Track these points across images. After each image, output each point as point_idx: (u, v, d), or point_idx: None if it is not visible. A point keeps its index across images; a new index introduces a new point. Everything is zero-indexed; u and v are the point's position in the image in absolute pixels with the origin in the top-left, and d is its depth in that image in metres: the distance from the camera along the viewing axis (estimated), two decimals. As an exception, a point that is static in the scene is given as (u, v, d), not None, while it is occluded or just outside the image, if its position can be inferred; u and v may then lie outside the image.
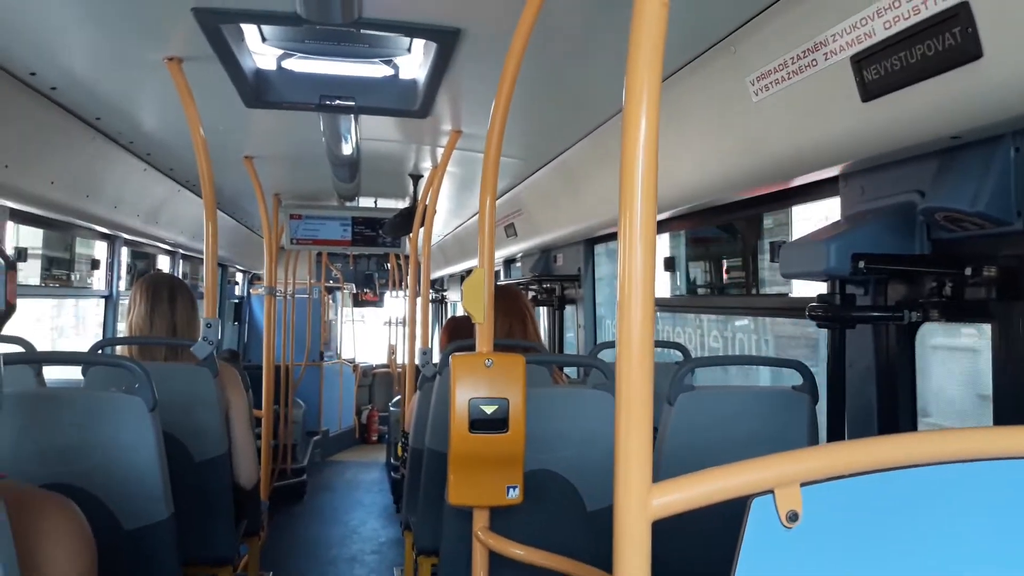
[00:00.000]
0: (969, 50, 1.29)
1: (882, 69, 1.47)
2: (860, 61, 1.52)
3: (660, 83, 0.82)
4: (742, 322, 3.27)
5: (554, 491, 2.05)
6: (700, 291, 3.44)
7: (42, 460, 1.82)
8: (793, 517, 0.80)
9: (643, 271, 0.81)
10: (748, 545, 0.80)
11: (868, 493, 0.82)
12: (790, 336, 3.10)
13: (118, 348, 2.56)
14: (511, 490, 1.70)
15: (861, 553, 0.82)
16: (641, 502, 0.81)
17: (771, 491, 0.80)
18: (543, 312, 4.91)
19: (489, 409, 1.67)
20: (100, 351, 2.47)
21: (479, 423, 1.65)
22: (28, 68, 2.36)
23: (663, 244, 3.56)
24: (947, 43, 1.32)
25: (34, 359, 2.24)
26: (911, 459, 0.84)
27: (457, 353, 1.76)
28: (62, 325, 5.57)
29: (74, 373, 2.49)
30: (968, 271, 1.58)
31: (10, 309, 0.89)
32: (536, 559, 1.66)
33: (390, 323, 9.81)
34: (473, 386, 1.66)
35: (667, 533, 1.91)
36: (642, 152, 0.82)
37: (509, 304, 2.91)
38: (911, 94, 1.44)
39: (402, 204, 4.87)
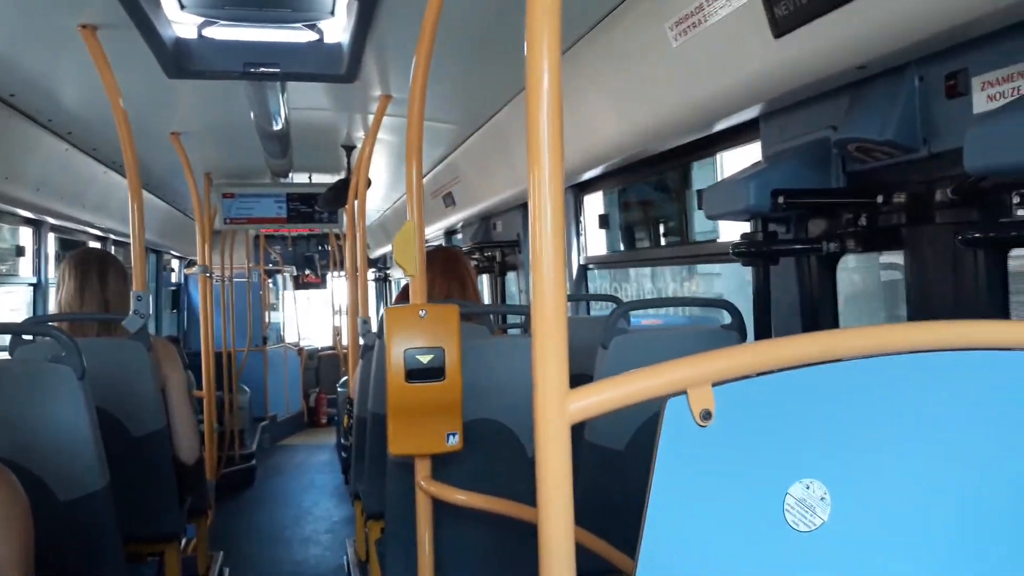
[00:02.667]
0: (869, -22, 1.33)
1: (791, 3, 1.51)
2: (770, -3, 1.56)
3: (559, 29, 0.82)
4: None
5: (494, 439, 2.08)
6: (634, 245, 3.50)
7: None
8: (707, 416, 0.82)
9: (553, 223, 0.83)
10: (664, 445, 0.82)
11: (780, 390, 0.85)
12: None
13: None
14: (451, 437, 1.72)
15: (776, 449, 0.84)
16: (558, 406, 0.83)
17: (684, 392, 0.82)
18: (485, 279, 4.92)
19: (425, 359, 1.68)
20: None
21: (415, 372, 1.66)
22: None
23: (597, 202, 3.60)
24: (849, -27, 1.36)
25: None
26: (820, 355, 0.87)
27: (391, 307, 1.76)
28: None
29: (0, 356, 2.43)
30: (880, 199, 1.64)
31: None
32: (478, 503, 1.68)
33: (332, 306, 9.72)
34: (408, 337, 1.67)
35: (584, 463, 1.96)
36: (546, 106, 0.82)
37: (449, 265, 2.91)
38: (818, 27, 1.48)
39: (337, 178, 4.82)
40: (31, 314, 4.28)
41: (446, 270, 2.82)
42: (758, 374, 0.86)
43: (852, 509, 0.84)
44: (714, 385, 0.83)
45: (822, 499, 0.85)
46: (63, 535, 1.80)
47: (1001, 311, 1.47)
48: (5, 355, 2.32)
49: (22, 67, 2.65)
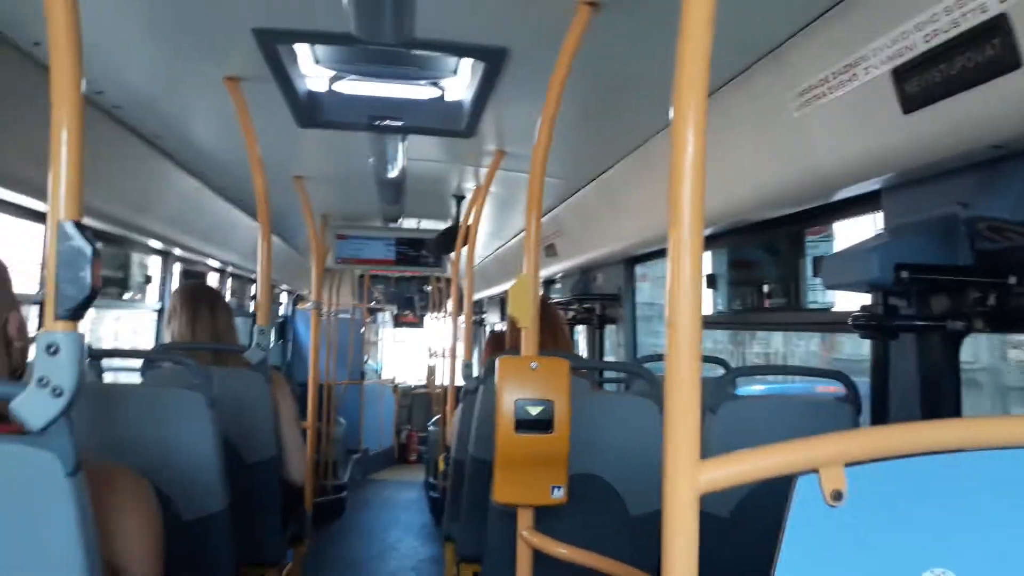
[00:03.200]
0: (1008, 60, 1.32)
1: (922, 81, 1.51)
2: (900, 74, 1.56)
3: (706, 98, 0.87)
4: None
5: (597, 495, 2.09)
6: (743, 308, 3.46)
7: (106, 453, 1.91)
8: (837, 496, 0.82)
9: (691, 275, 0.86)
10: (793, 523, 0.82)
11: (913, 475, 0.84)
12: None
13: None
14: (555, 490, 1.74)
15: (906, 534, 0.84)
16: (689, 476, 0.85)
17: (816, 470, 0.83)
18: (581, 331, 4.94)
19: (534, 410, 1.71)
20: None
21: (525, 423, 1.70)
22: (95, 87, 2.48)
23: (706, 262, 3.58)
24: (986, 54, 1.36)
25: (100, 354, 2.34)
26: (954, 443, 0.86)
27: (503, 356, 1.81)
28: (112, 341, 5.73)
29: (131, 380, 2.59)
30: (1013, 280, 1.59)
31: (94, 292, 0.96)
32: (580, 559, 1.69)
33: (430, 348, 9.90)
34: (519, 387, 1.71)
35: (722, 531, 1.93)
36: (689, 167, 0.86)
37: (544, 316, 2.96)
38: (951, 105, 1.47)
39: (444, 224, 4.96)
40: (155, 338, 4.54)
41: (543, 323, 2.88)
42: (892, 457, 0.85)
43: None
44: (846, 465, 0.83)
45: (953, 588, 0.84)
46: (183, 553, 1.90)
47: None
48: (135, 376, 2.48)
49: (168, 112, 2.86)
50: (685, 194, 0.86)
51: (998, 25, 1.32)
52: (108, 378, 2.47)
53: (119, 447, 1.93)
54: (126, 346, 5.61)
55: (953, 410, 1.90)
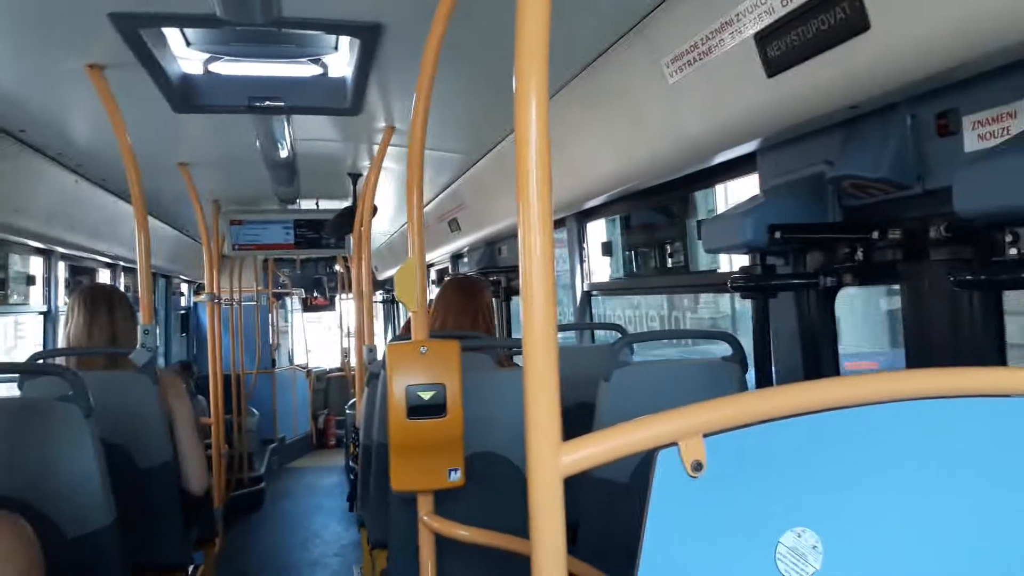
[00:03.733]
0: (858, 22, 1.35)
1: (783, 45, 1.54)
2: (763, 38, 1.58)
3: (546, 77, 0.85)
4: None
5: (497, 471, 2.09)
6: (637, 273, 3.52)
7: None
8: (698, 467, 0.83)
9: (542, 246, 0.86)
10: (656, 496, 0.83)
11: (770, 440, 0.86)
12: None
13: (59, 361, 2.53)
14: (452, 473, 1.74)
15: (768, 498, 0.85)
16: (552, 460, 0.84)
17: (675, 443, 0.83)
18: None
19: (426, 395, 1.70)
20: (39, 363, 2.44)
21: (417, 409, 1.68)
22: None
23: (600, 229, 3.63)
24: (838, 17, 1.39)
25: None
26: (810, 405, 0.88)
27: (393, 343, 1.78)
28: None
29: (11, 391, 2.46)
30: (876, 235, 1.66)
31: None
32: (480, 538, 1.69)
33: (341, 327, 9.75)
34: (409, 373, 1.69)
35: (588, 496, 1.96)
36: (535, 140, 0.85)
37: (461, 299, 2.93)
38: (810, 67, 1.50)
39: (344, 204, 4.86)
40: (42, 341, 4.32)
41: (462, 307, 2.86)
42: (748, 424, 0.87)
43: (844, 558, 0.85)
44: (705, 436, 0.84)
45: (814, 547, 0.86)
46: (70, 571, 1.82)
47: (996, 349, 1.48)
48: (14, 386, 2.35)
49: (31, 104, 2.70)
50: (532, 179, 0.85)
51: (847, -12, 1.35)
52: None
53: None
54: (22, 347, 5.35)
55: (832, 363, 1.98)
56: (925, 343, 1.62)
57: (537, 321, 0.86)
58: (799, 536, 0.86)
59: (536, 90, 0.84)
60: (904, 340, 1.68)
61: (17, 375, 2.31)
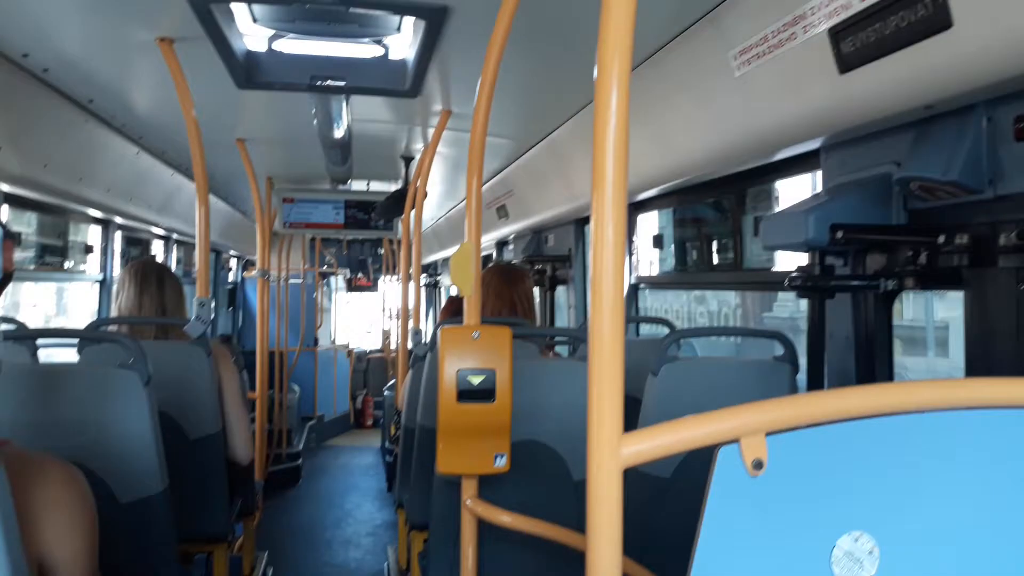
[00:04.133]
0: (939, 20, 1.32)
1: (858, 41, 1.50)
2: (837, 33, 1.55)
3: (630, 65, 0.84)
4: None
5: (541, 461, 2.09)
6: (688, 267, 3.49)
7: (39, 434, 1.86)
8: (758, 465, 0.82)
9: (614, 242, 0.85)
10: (715, 493, 0.82)
11: (832, 442, 0.85)
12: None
13: (110, 329, 2.59)
14: (498, 458, 1.74)
15: (826, 500, 0.84)
16: (612, 450, 0.84)
17: (737, 440, 0.83)
18: (536, 292, 4.94)
19: (476, 380, 1.70)
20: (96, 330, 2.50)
21: (467, 393, 1.69)
22: (20, 50, 2.38)
23: (652, 222, 3.60)
24: (919, 14, 1.35)
25: (30, 335, 2.27)
26: (873, 409, 0.86)
27: (446, 326, 1.79)
28: (54, 312, 5.59)
29: (69, 356, 2.52)
30: (941, 239, 1.62)
31: (7, 276, 0.92)
32: (523, 526, 1.70)
33: (384, 309, 9.84)
34: (460, 357, 1.70)
35: (630, 489, 1.96)
36: (612, 134, 0.84)
37: (503, 286, 2.94)
38: (886, 65, 1.47)
39: (394, 187, 4.89)
40: (97, 309, 4.43)
41: (500, 292, 2.86)
42: (811, 425, 0.86)
43: (901, 563, 0.84)
44: (767, 435, 0.83)
45: (871, 552, 0.85)
46: (120, 536, 1.87)
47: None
48: (73, 352, 2.41)
49: (100, 75, 2.76)
50: (608, 160, 0.84)
51: (929, -15, 1.31)
52: (44, 355, 2.40)
53: (53, 429, 1.88)
54: (71, 315, 5.49)
55: (886, 367, 1.94)
56: (987, 353, 1.58)
57: (606, 314, 0.85)
58: (856, 540, 0.85)
59: (618, 77, 0.83)
60: (965, 347, 1.64)
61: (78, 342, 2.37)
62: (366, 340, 10.69)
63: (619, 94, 0.84)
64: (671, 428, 0.86)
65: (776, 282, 2.41)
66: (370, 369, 10.05)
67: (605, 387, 0.85)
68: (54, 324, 5.44)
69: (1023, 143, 1.47)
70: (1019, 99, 1.46)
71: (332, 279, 10.25)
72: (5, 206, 3.16)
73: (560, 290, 4.73)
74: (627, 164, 0.85)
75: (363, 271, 9.74)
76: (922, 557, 0.84)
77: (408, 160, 4.39)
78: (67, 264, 4.44)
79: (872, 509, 0.84)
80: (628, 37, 0.84)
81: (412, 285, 3.99)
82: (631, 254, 3.59)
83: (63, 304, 5.56)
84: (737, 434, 0.83)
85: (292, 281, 7.87)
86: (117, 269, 4.50)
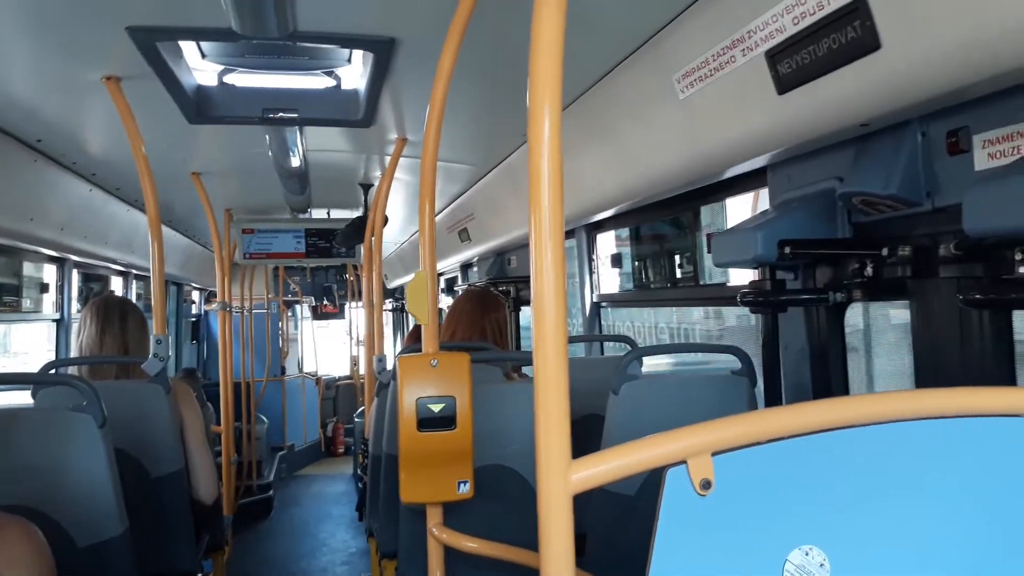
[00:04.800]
0: (868, 42, 1.36)
1: (793, 63, 1.55)
2: (773, 56, 1.59)
3: (560, 93, 0.86)
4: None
5: (507, 484, 2.10)
6: (647, 285, 3.53)
7: None
8: (706, 485, 0.84)
9: (554, 265, 0.86)
10: (665, 514, 0.83)
11: (778, 458, 0.86)
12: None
13: (70, 370, 2.55)
14: (462, 485, 1.74)
15: (776, 516, 0.86)
16: (561, 477, 0.85)
17: (684, 461, 0.84)
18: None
19: (436, 407, 1.70)
20: (52, 372, 2.46)
21: (427, 421, 1.69)
22: None
23: (609, 241, 3.64)
24: (849, 36, 1.40)
25: None
26: (818, 424, 0.88)
27: (404, 355, 1.79)
28: (15, 351, 5.48)
29: (24, 398, 2.48)
30: (885, 252, 1.66)
31: None
32: (488, 551, 1.70)
33: (351, 335, 9.78)
34: (420, 385, 1.70)
35: (597, 508, 1.97)
36: (546, 162, 0.86)
37: (475, 315, 2.92)
38: (821, 85, 1.51)
39: (355, 214, 4.88)
40: (55, 349, 4.35)
41: (473, 318, 2.86)
42: (756, 443, 0.87)
43: (852, 574, 0.85)
44: (714, 455, 0.85)
45: (821, 565, 0.86)
46: None
47: (1007, 368, 1.48)
48: (27, 395, 2.37)
49: (47, 114, 2.73)
50: (543, 186, 0.86)
51: (858, 7, 1.36)
52: (3, 400, 2.36)
53: (7, 475, 1.84)
54: (29, 354, 5.39)
55: (841, 377, 1.98)
56: (934, 361, 1.62)
57: (548, 337, 0.87)
58: (807, 554, 0.86)
59: (550, 104, 0.85)
60: (913, 358, 1.68)
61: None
62: (335, 367, 10.60)
63: (551, 124, 0.86)
64: (620, 452, 0.87)
65: (731, 297, 2.45)
66: (339, 396, 9.97)
67: (551, 412, 0.86)
68: (13, 362, 5.34)
69: (956, 157, 1.51)
70: (951, 115, 1.51)
71: (297, 307, 10.17)
72: None
73: (525, 310, 4.75)
74: (561, 192, 0.87)
75: (328, 298, 9.68)
76: (873, 568, 0.86)
77: (367, 187, 4.39)
78: (23, 303, 4.36)
79: (822, 522, 0.86)
80: (557, 65, 0.86)
81: (376, 314, 3.98)
82: (592, 273, 3.62)
83: (21, 342, 5.46)
84: (684, 455, 0.84)
85: (256, 311, 7.80)
86: (75, 307, 4.43)
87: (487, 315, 2.92)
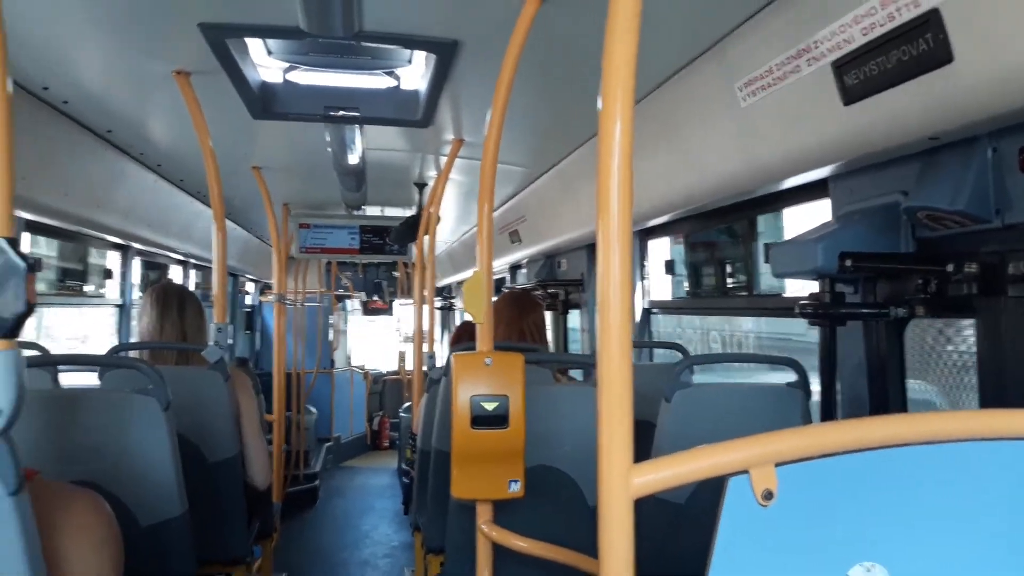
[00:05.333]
0: (940, 55, 1.34)
1: (861, 74, 1.53)
2: (841, 66, 1.58)
3: (632, 98, 0.87)
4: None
5: (556, 486, 2.11)
6: (699, 293, 3.51)
7: (61, 459, 1.89)
8: (768, 496, 0.84)
9: (620, 270, 0.87)
10: (725, 523, 0.83)
11: (843, 472, 0.86)
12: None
13: (131, 355, 2.63)
14: (512, 484, 1.76)
15: (837, 530, 0.85)
16: (623, 481, 0.86)
17: (747, 471, 0.84)
18: (548, 316, 4.96)
19: (490, 406, 1.73)
20: (119, 356, 2.55)
21: (480, 419, 1.71)
22: (41, 82, 2.44)
23: (663, 248, 3.63)
24: (920, 48, 1.38)
25: (52, 361, 2.31)
26: (884, 440, 0.87)
27: (458, 352, 1.82)
28: (77, 335, 5.65)
29: (90, 381, 2.56)
30: (950, 268, 1.63)
31: (30, 308, 0.95)
32: (538, 551, 1.71)
33: (400, 331, 9.89)
34: (474, 384, 1.72)
35: (646, 516, 1.97)
36: (617, 159, 0.87)
37: (514, 316, 2.97)
38: (889, 97, 1.49)
39: (408, 212, 4.94)
40: (117, 333, 4.49)
41: (511, 320, 2.90)
42: (822, 456, 0.87)
43: None
44: (777, 465, 0.85)
45: (883, 582, 0.86)
46: (141, 559, 1.89)
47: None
48: (94, 376, 2.46)
49: (119, 106, 2.82)
50: (613, 188, 0.87)
51: (930, 20, 1.34)
52: (66, 379, 2.45)
53: (74, 454, 1.91)
54: (94, 337, 5.55)
55: (899, 393, 1.95)
56: (1000, 383, 1.59)
57: (613, 341, 0.88)
58: (868, 571, 0.86)
59: (621, 109, 0.86)
60: (978, 377, 1.65)
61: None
62: (383, 362, 10.72)
63: (622, 126, 0.87)
64: (681, 459, 0.88)
65: (787, 308, 2.43)
66: (386, 391, 10.08)
67: (615, 418, 0.87)
68: (79, 347, 5.50)
69: (1028, 173, 1.49)
70: (1023, 131, 1.48)
71: (348, 302, 10.31)
72: (27, 236, 3.23)
73: (574, 314, 4.75)
74: (631, 194, 0.88)
75: (378, 294, 9.80)
76: None
77: (421, 186, 4.44)
78: (87, 288, 4.50)
79: (884, 539, 0.85)
80: (630, 71, 0.87)
81: (427, 308, 4.02)
82: (643, 279, 3.61)
83: (88, 326, 5.63)
84: (747, 465, 0.84)
85: (308, 304, 7.93)
86: (136, 293, 4.56)
87: (525, 316, 2.96)
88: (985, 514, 0.87)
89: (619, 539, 0.86)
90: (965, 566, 0.86)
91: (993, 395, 1.62)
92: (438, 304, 9.98)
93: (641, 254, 3.61)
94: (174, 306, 2.64)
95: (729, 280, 3.18)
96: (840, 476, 0.87)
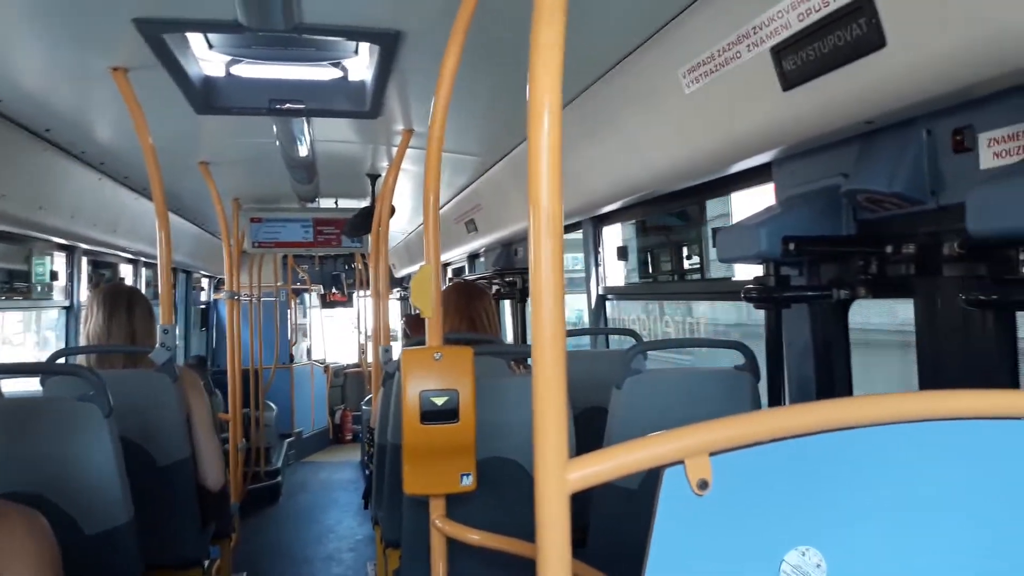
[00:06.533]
0: (874, 40, 1.36)
1: (799, 59, 1.54)
2: (779, 52, 1.59)
3: (560, 93, 0.85)
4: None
5: (509, 477, 2.11)
6: (653, 278, 3.53)
7: (3, 470, 1.84)
8: (703, 485, 0.84)
9: (551, 261, 0.86)
10: (662, 514, 0.83)
11: (776, 459, 0.86)
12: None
13: (79, 359, 2.57)
14: (464, 478, 1.75)
15: (773, 516, 0.86)
16: (559, 476, 0.86)
17: (682, 461, 0.84)
18: (507, 305, 4.96)
19: (439, 400, 1.71)
20: (60, 361, 2.48)
21: (430, 414, 1.70)
22: None
23: (615, 234, 3.63)
24: (854, 33, 1.39)
25: None
26: (816, 426, 0.88)
27: (408, 348, 1.80)
28: (24, 341, 5.52)
29: (33, 385, 2.50)
30: (889, 249, 1.66)
31: None
32: (491, 543, 1.71)
33: (359, 324, 9.82)
34: (423, 379, 1.70)
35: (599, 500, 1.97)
36: (546, 146, 0.85)
37: (462, 303, 2.97)
38: (826, 82, 1.51)
39: (362, 203, 4.90)
40: (65, 336, 4.39)
41: (459, 308, 2.89)
42: (754, 444, 0.88)
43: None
44: (711, 455, 0.85)
45: (818, 566, 0.87)
46: (87, 568, 1.86)
47: (1010, 368, 1.48)
48: (36, 382, 2.39)
49: (56, 104, 2.75)
50: (543, 179, 0.85)
51: (863, 5, 1.35)
52: (8, 386, 2.38)
53: (15, 463, 1.86)
54: (41, 341, 5.42)
55: (845, 374, 1.98)
56: (937, 360, 1.62)
57: (546, 335, 0.87)
58: (803, 554, 0.86)
59: (550, 98, 0.85)
60: (917, 355, 1.68)
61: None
62: (344, 354, 10.64)
63: (551, 119, 0.85)
64: (618, 451, 0.87)
65: (736, 292, 2.45)
66: (348, 384, 10.02)
67: (550, 414, 0.87)
68: (22, 349, 5.37)
69: (961, 155, 1.51)
70: (956, 113, 1.50)
71: (306, 295, 10.21)
72: None
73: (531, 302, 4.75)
74: (560, 186, 0.86)
75: (337, 287, 9.71)
76: (870, 570, 0.86)
77: (374, 178, 4.40)
78: (34, 291, 4.39)
79: (819, 523, 0.86)
80: (557, 59, 0.85)
81: (383, 304, 3.99)
82: (597, 265, 3.62)
83: (32, 329, 5.49)
84: (681, 455, 0.84)
85: (265, 299, 7.83)
86: (84, 295, 4.46)
87: (471, 303, 2.97)
88: (921, 496, 0.88)
89: (555, 533, 0.85)
90: (901, 548, 0.87)
91: (931, 373, 1.65)
92: (396, 295, 9.93)
93: (595, 240, 3.62)
94: (122, 306, 2.58)
95: (684, 263, 3.20)
96: (776, 463, 0.87)
